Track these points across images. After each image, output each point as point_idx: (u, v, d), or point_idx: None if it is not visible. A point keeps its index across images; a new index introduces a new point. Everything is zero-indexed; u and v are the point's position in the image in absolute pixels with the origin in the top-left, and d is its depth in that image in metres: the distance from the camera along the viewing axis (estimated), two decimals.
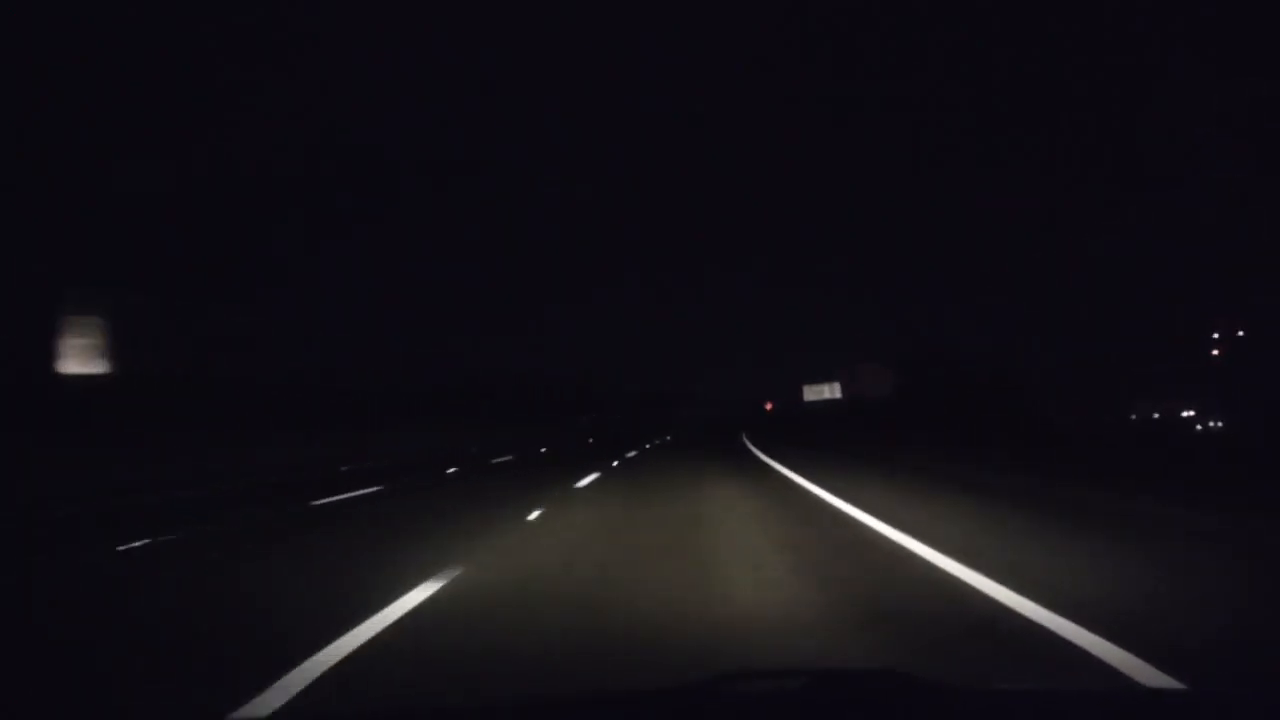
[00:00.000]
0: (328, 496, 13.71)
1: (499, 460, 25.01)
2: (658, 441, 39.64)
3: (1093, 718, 2.09)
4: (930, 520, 7.96)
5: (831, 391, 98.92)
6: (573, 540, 8.00)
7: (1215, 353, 62.84)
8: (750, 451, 25.54)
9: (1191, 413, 59.90)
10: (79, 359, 29.74)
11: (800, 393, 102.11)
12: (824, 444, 28.11)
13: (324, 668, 3.87)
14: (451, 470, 20.43)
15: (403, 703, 3.50)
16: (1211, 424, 51.49)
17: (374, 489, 15.09)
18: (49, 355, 29.43)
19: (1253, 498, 8.50)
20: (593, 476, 15.80)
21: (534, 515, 9.75)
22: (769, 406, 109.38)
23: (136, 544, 8.81)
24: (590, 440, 46.97)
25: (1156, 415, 60.34)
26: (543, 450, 32.73)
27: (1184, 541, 6.80)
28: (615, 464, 20.25)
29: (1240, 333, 60.95)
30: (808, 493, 11.67)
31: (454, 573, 6.06)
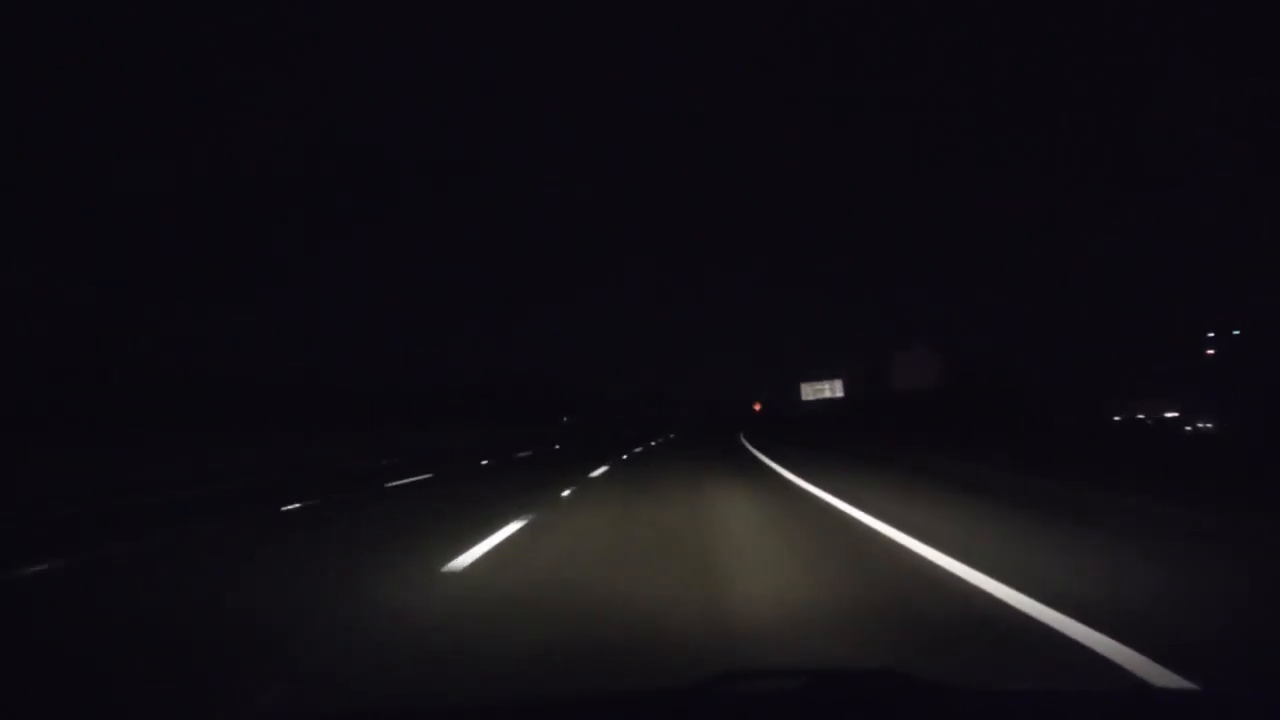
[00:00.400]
0: None
1: (398, 483, 16.55)
2: (639, 450, 29.84)
3: (1094, 718, 2.09)
4: (931, 520, 7.97)
5: (832, 390, 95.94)
6: None
7: (1210, 352, 62.73)
8: (755, 458, 21.32)
9: (1175, 414, 59.26)
10: None
11: (798, 391, 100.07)
12: (824, 444, 28.10)
13: None
14: (291, 506, 12.14)
15: (403, 703, 3.50)
16: (1200, 425, 50.30)
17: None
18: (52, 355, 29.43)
19: (1252, 498, 8.50)
20: (510, 530, 8.32)
21: None
22: (757, 407, 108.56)
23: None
24: (557, 447, 36.80)
25: (1141, 416, 59.79)
26: (485, 463, 23.79)
27: (1184, 541, 6.80)
28: (567, 493, 12.40)
29: (1236, 332, 60.83)
30: (825, 505, 11.67)
31: None
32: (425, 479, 17.72)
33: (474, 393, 69.21)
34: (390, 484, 16.55)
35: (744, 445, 30.13)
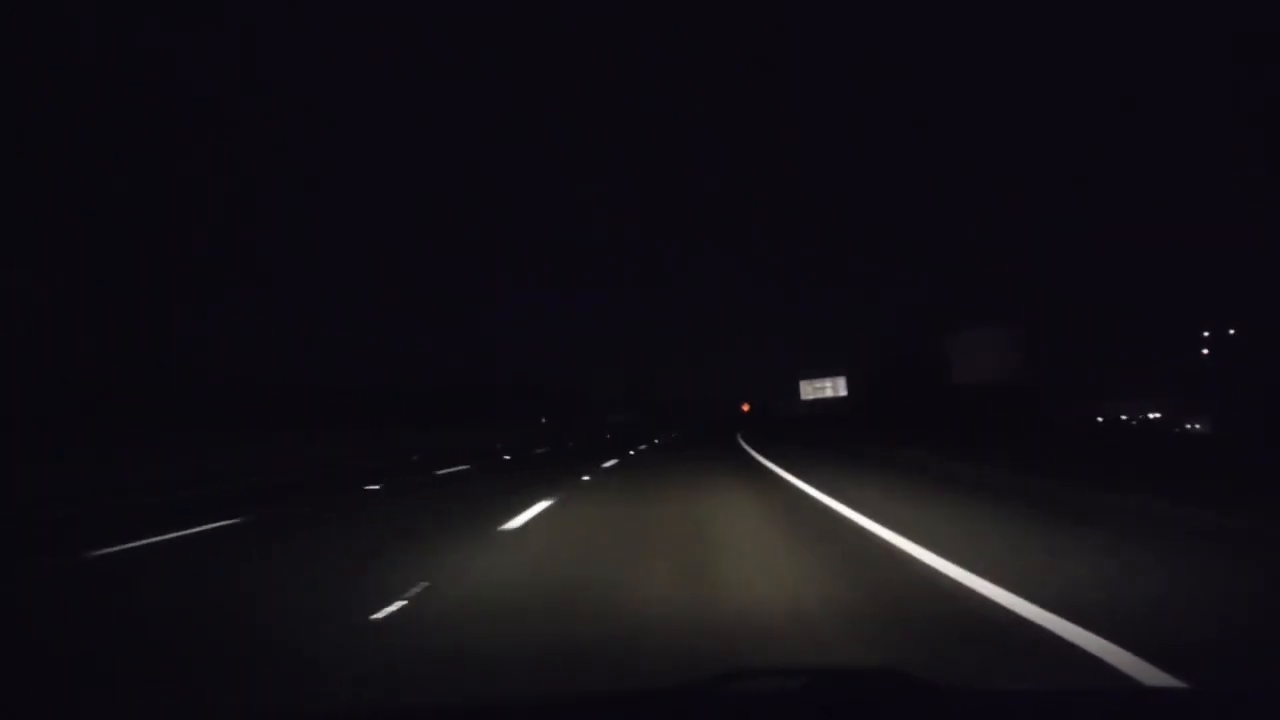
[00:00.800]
0: None
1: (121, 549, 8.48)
2: (613, 464, 20.86)
3: (1093, 718, 2.09)
4: (930, 521, 7.98)
5: (835, 388, 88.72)
6: None
7: (1205, 352, 62.42)
8: (765, 470, 16.54)
9: (1158, 415, 58.15)
10: None
11: (797, 390, 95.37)
12: (823, 444, 28.07)
13: None
14: None
15: (403, 703, 3.51)
16: (1189, 426, 48.76)
17: None
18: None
19: (1252, 498, 8.49)
20: None
21: None
22: (746, 408, 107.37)
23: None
24: (507, 458, 27.50)
25: (1124, 417, 58.82)
26: (374, 488, 15.57)
27: (1184, 541, 6.80)
28: (398, 607, 5.08)
29: (1231, 332, 60.52)
30: (825, 508, 11.67)
31: None
32: (227, 527, 10.16)
33: (468, 393, 69.00)
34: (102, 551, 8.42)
35: (747, 450, 29.25)
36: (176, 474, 20.04)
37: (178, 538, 9.33)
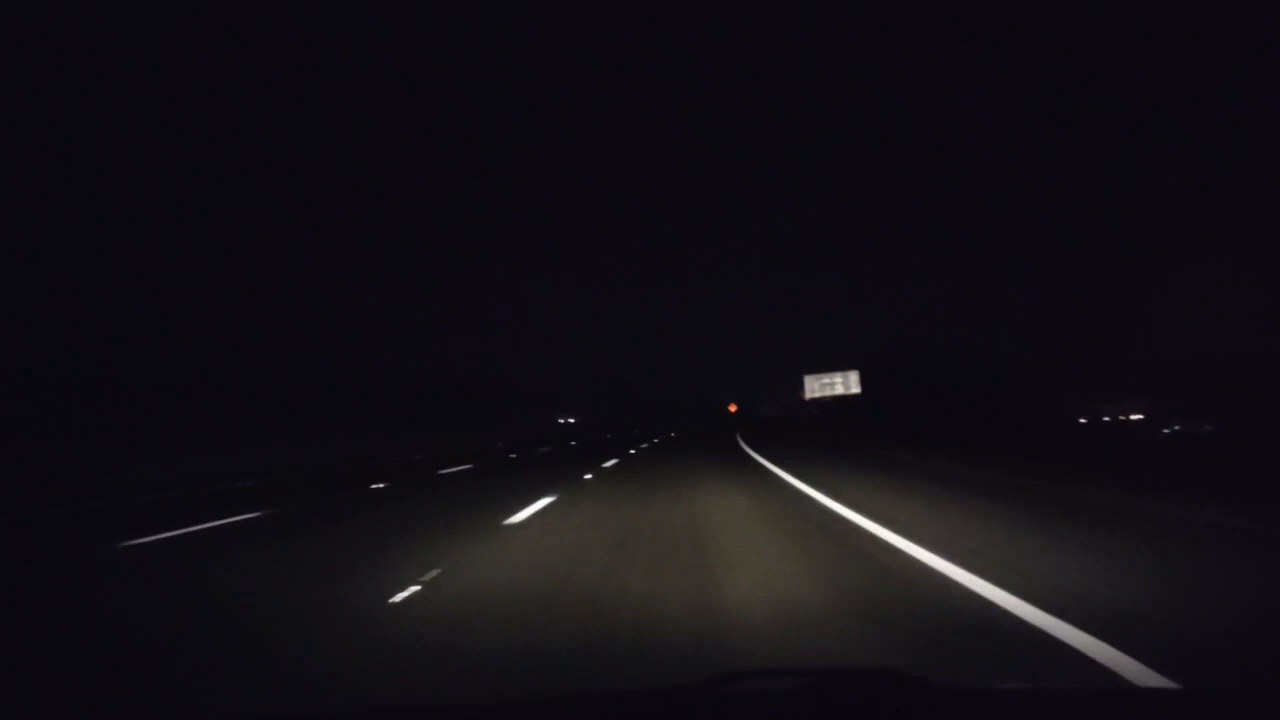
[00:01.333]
0: None
1: None
2: (525, 514, 9.83)
3: (1091, 717, 2.10)
4: (936, 524, 7.98)
5: (846, 385, 76.52)
6: None
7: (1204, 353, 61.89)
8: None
9: (1140, 416, 57.05)
10: None
11: (797, 389, 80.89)
12: (822, 445, 28.07)
13: None
14: None
15: (403, 703, 3.51)
16: (1178, 428, 47.16)
17: None
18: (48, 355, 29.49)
19: (1252, 499, 8.49)
20: None
21: None
22: (733, 409, 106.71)
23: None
24: (380, 486, 15.94)
25: (1106, 418, 58.00)
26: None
27: (1185, 541, 6.79)
28: None
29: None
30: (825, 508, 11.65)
31: None
32: None
33: (460, 393, 68.66)
34: None
35: (765, 466, 18.12)
36: (176, 473, 20.03)
37: None
